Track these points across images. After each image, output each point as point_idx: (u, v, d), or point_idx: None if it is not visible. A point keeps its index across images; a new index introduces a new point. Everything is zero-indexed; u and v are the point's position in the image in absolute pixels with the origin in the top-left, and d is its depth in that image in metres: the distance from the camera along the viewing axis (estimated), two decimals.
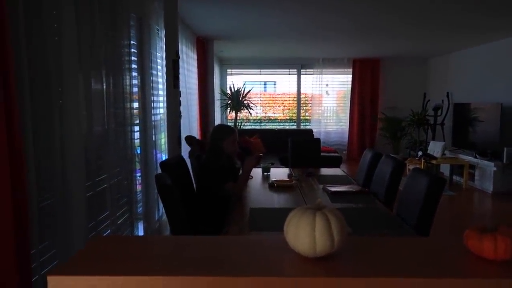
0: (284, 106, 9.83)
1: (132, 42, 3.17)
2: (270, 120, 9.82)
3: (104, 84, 2.61)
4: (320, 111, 9.45)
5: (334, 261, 1.06)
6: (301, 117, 9.67)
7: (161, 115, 3.98)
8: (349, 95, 9.25)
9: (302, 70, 9.44)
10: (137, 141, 3.30)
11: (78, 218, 2.16)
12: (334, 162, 6.88)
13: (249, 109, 8.32)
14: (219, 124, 4.30)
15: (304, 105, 9.65)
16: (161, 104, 3.99)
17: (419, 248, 1.16)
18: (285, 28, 5.75)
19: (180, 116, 4.11)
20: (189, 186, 3.12)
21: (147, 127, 3.48)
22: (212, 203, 2.90)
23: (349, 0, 4.19)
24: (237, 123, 8.45)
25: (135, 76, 3.23)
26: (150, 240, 1.35)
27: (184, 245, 1.16)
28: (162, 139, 4.03)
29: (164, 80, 3.91)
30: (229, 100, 8.21)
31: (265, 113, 9.83)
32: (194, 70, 6.09)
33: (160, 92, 3.95)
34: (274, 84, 10.47)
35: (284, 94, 9.86)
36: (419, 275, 0.98)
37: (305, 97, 9.62)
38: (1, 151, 1.42)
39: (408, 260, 1.07)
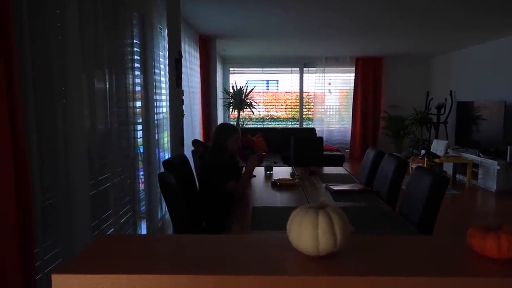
0: (286, 105, 9.83)
1: (134, 41, 3.18)
2: (272, 118, 9.82)
3: (107, 83, 2.61)
4: (322, 110, 9.44)
5: (336, 260, 1.06)
6: (304, 116, 9.66)
7: (163, 114, 3.99)
8: (352, 94, 9.23)
9: (304, 69, 9.43)
10: (140, 140, 3.31)
11: (82, 217, 2.17)
12: (336, 160, 6.86)
13: (251, 107, 8.32)
14: (222, 123, 4.31)
15: (306, 103, 9.64)
16: (163, 103, 3.99)
17: (422, 247, 1.16)
18: (288, 27, 5.75)
19: (182, 115, 4.12)
20: (192, 185, 3.13)
21: (150, 126, 3.49)
22: (214, 202, 2.90)
23: None
24: (240, 122, 8.45)
25: (138, 75, 3.24)
26: (153, 238, 1.35)
27: (187, 243, 1.16)
28: (165, 138, 4.03)
29: (167, 79, 3.92)
30: (231, 98, 8.21)
31: (268, 111, 9.83)
32: (197, 69, 6.09)
33: (163, 91, 3.95)
34: (277, 83, 10.45)
35: (286, 92, 9.85)
36: (422, 274, 0.98)
37: (308, 95, 9.61)
38: (5, 150, 1.42)
39: (411, 259, 1.07)
